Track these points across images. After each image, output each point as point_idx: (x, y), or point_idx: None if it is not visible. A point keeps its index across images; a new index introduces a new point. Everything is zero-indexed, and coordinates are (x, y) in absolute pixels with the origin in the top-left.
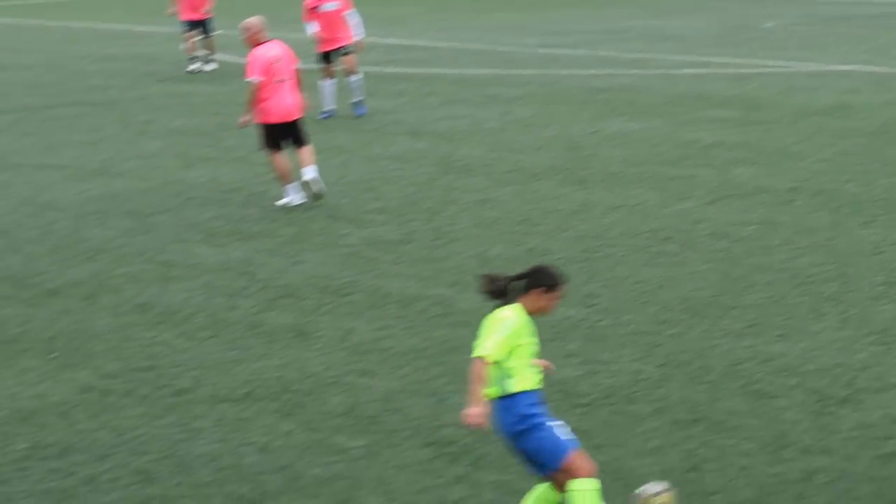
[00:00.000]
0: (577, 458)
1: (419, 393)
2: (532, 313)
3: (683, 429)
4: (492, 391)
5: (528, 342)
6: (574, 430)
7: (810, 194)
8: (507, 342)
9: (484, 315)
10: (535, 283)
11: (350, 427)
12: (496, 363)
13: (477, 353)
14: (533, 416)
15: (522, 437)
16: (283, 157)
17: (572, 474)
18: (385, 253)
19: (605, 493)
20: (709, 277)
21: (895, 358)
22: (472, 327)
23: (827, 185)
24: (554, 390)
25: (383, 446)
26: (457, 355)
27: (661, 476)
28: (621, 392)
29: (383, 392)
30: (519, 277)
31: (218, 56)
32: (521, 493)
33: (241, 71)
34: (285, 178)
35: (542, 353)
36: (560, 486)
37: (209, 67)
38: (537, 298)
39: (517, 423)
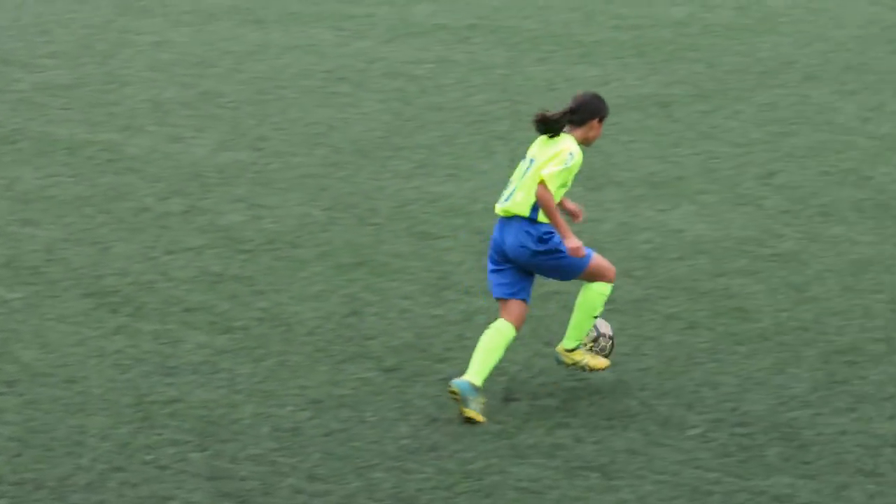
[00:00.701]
0: (599, 260)
1: (83, 242)
2: (581, 143)
3: (346, 272)
4: (519, 210)
5: (572, 181)
6: (236, 277)
7: (488, 31)
8: (563, 176)
9: (152, 160)
10: (594, 113)
11: (9, 278)
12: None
13: (545, 174)
14: (553, 237)
15: (542, 256)
16: None
17: (598, 276)
18: (56, 98)
19: (264, 339)
20: (381, 118)
21: None
22: (140, 173)
23: (505, 22)
24: (218, 237)
25: (43, 297)
26: (123, 202)
27: (321, 321)
28: (286, 237)
29: (46, 242)
30: (573, 111)
31: None
32: (181, 342)
33: None
34: None
35: (208, 198)
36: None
37: None
38: (591, 128)
39: (538, 244)
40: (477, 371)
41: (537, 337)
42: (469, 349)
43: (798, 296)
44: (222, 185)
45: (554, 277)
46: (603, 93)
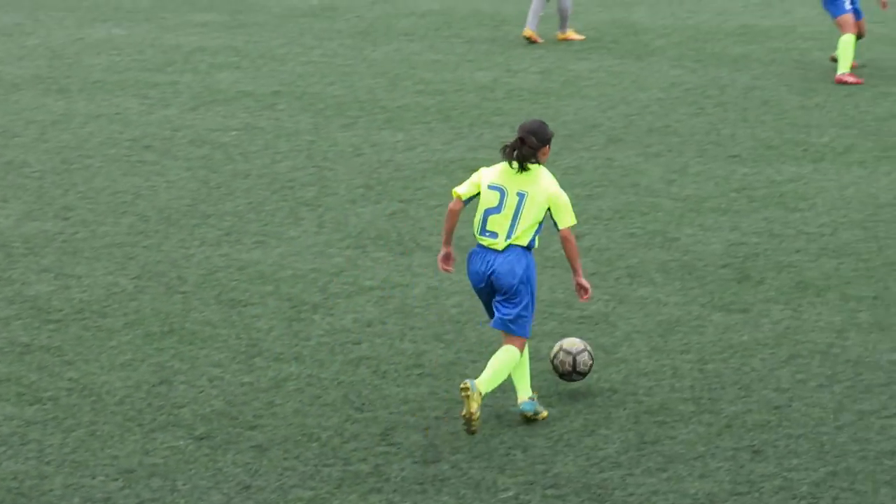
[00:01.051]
0: (524, 342)
1: None
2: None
3: (155, 341)
4: (520, 242)
5: None
6: (44, 348)
7: (293, 97)
8: None
9: None
10: (547, 139)
11: None
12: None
13: (569, 224)
14: (534, 281)
15: (524, 287)
16: None
17: (518, 343)
18: None
19: (73, 409)
20: (187, 186)
21: (368, 261)
22: None
23: (310, 88)
24: (26, 307)
25: None
26: None
27: (131, 390)
28: (94, 306)
29: None
30: (536, 137)
31: None
32: None
33: None
34: None
35: (15, 269)
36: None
37: None
38: (543, 153)
39: (526, 272)
40: (523, 388)
41: (348, 402)
42: (279, 416)
43: (607, 357)
44: (28, 254)
45: (511, 312)
46: (409, 158)
